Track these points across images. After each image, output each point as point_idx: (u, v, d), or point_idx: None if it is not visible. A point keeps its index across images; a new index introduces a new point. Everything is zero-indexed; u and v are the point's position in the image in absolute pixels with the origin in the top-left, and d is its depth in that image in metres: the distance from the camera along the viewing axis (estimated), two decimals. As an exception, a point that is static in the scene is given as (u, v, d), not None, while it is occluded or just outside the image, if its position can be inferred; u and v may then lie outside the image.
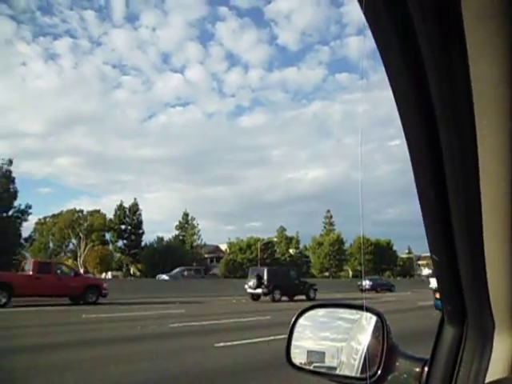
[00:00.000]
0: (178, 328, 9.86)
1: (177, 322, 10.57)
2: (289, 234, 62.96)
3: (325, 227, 63.51)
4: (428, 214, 0.64)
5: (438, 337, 0.83)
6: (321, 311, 1.06)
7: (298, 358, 0.98)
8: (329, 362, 0.93)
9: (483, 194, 0.55)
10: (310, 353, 0.97)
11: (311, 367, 0.96)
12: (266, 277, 20.58)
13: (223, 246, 62.46)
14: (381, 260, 54.90)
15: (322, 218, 64.28)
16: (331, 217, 63.93)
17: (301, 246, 64.80)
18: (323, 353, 0.95)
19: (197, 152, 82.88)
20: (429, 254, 0.72)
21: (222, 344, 7.49)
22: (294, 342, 1.00)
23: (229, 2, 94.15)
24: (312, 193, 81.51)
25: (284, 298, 21.06)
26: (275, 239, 59.60)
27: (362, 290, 27.78)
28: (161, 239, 54.27)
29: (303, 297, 21.56)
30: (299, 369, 0.98)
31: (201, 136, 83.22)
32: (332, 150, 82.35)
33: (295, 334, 1.02)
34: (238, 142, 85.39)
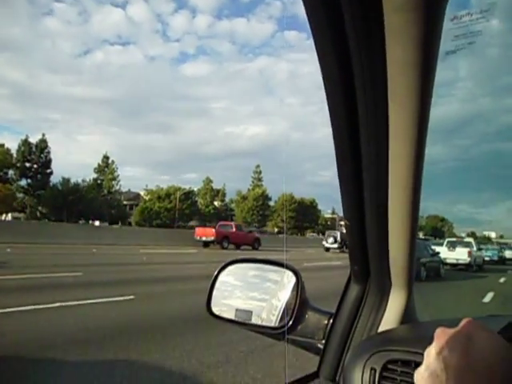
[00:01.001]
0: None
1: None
2: (217, 186, 63.08)
3: (253, 182, 64.26)
4: (344, 185, 0.74)
5: (344, 293, 0.94)
6: (246, 268, 1.11)
7: (226, 314, 1.03)
8: (255, 320, 0.99)
9: (390, 173, 0.67)
10: (237, 311, 1.01)
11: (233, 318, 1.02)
12: (339, 237, 31.32)
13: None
14: (303, 218, 57.08)
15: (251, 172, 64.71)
16: (260, 172, 64.76)
17: (227, 200, 65.39)
18: (250, 312, 1.00)
19: (135, 96, 79.95)
20: None
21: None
22: (222, 301, 1.05)
23: None
24: (250, 149, 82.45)
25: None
26: (195, 189, 59.42)
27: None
28: (67, 180, 51.05)
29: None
30: (218, 317, 1.03)
31: (140, 79, 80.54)
32: (274, 108, 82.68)
33: (224, 293, 1.06)
34: (179, 89, 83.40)
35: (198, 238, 26.44)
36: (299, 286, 0.96)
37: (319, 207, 68.28)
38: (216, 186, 64.00)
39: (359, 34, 0.53)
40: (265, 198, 60.85)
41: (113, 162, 55.96)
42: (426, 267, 12.12)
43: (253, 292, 1.05)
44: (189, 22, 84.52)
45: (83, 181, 53.37)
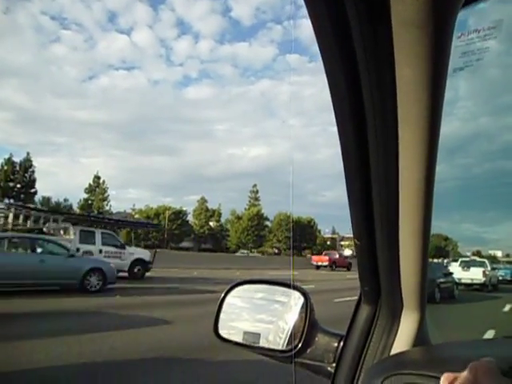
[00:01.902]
0: None
1: None
2: (216, 206, 63.43)
3: (250, 201, 64.29)
4: (353, 204, 0.75)
5: (354, 314, 0.94)
6: (253, 289, 1.11)
7: (234, 338, 1.03)
8: (263, 343, 0.99)
9: (401, 192, 0.68)
10: (245, 334, 1.02)
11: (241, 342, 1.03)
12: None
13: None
14: (301, 238, 56.90)
15: (248, 192, 64.88)
16: (257, 191, 64.87)
17: (223, 220, 65.37)
18: (259, 334, 1.00)
19: (139, 119, 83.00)
20: (351, 235, 0.81)
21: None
22: (230, 323, 1.05)
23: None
24: (253, 170, 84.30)
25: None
26: (186, 209, 59.54)
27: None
28: (47, 199, 50.82)
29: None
30: (225, 340, 1.04)
31: (144, 103, 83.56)
32: (276, 129, 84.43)
33: (231, 315, 1.07)
34: (182, 112, 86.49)
35: (315, 263, 37.21)
36: (308, 308, 0.96)
37: (320, 227, 68.45)
38: (214, 206, 64.24)
39: (368, 53, 0.54)
40: (260, 217, 60.73)
41: (104, 182, 56.03)
42: (440, 288, 12.08)
43: (260, 314, 1.06)
44: (192, 46, 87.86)
45: (65, 200, 53.22)
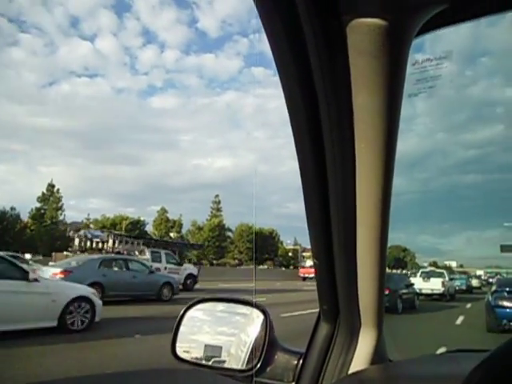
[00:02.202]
0: None
1: None
2: (176, 217, 62.57)
3: (212, 212, 63.86)
4: (312, 223, 0.76)
5: (313, 332, 0.96)
6: (214, 305, 1.12)
7: (195, 352, 1.02)
8: (224, 356, 0.99)
9: (358, 208, 0.70)
10: (207, 347, 1.01)
11: (203, 361, 1.01)
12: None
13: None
14: (262, 249, 56.96)
15: (210, 203, 64.48)
16: (219, 202, 64.54)
17: (184, 231, 64.57)
18: (220, 347, 1.00)
19: (101, 128, 79.71)
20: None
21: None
22: (191, 337, 1.05)
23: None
24: (218, 181, 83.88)
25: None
26: (143, 219, 58.69)
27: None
28: None
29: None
30: (183, 361, 1.03)
31: (107, 111, 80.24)
32: (241, 141, 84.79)
33: (193, 328, 1.07)
34: (146, 122, 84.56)
35: (302, 274, 40.61)
36: (267, 326, 0.97)
37: (282, 238, 68.79)
38: (177, 217, 63.37)
39: (326, 78, 0.56)
40: (222, 228, 60.42)
41: (58, 190, 54.08)
42: (402, 299, 12.37)
43: (222, 327, 1.07)
44: (157, 56, 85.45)
45: (12, 209, 50.83)
